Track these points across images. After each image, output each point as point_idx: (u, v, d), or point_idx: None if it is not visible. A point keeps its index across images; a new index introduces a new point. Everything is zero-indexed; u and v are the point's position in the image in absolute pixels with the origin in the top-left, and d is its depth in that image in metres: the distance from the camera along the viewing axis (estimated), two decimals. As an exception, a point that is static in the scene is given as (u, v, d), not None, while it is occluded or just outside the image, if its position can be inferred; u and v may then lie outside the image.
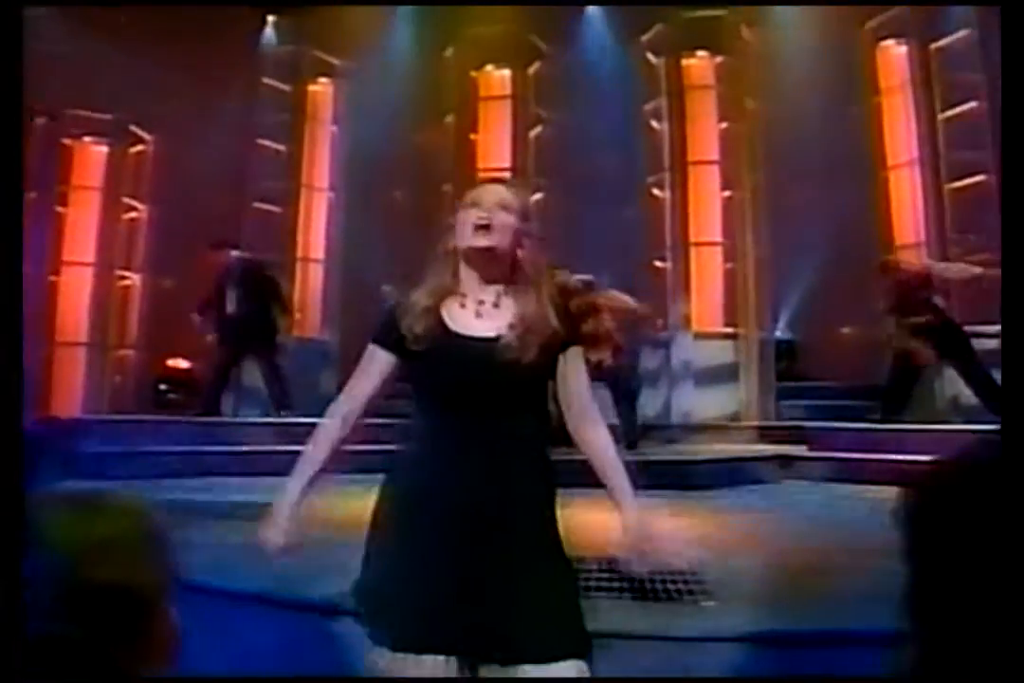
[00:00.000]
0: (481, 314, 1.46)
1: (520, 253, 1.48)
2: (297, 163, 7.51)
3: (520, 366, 1.40)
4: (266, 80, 7.42)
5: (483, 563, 1.36)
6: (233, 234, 7.08)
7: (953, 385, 6.08)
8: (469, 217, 1.47)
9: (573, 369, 1.49)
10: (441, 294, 1.48)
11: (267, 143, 7.38)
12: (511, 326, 1.43)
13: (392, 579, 1.40)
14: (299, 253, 7.31)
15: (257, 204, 7.26)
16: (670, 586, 2.28)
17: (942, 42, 6.71)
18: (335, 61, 7.65)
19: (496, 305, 1.47)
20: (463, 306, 1.48)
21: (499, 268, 1.48)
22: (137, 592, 0.67)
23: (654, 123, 7.13)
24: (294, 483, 1.49)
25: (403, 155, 7.13)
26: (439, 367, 1.44)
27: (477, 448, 1.41)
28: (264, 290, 6.01)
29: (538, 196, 7.45)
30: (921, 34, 6.79)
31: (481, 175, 7.42)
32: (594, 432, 1.48)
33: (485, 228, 1.45)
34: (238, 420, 6.17)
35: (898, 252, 6.72)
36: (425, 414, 1.47)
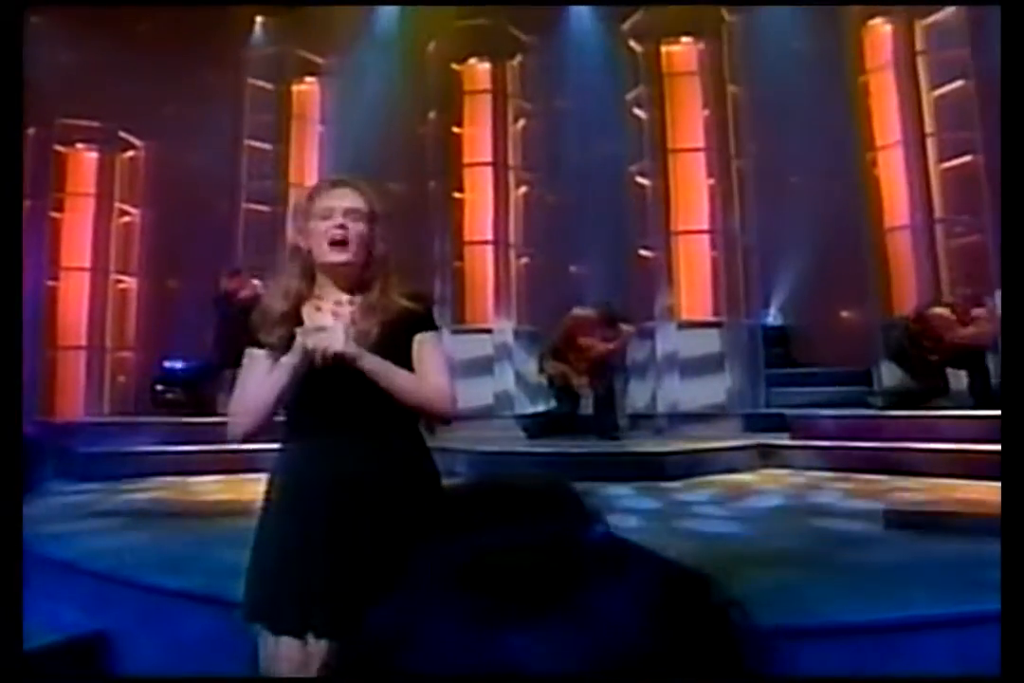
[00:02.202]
0: (337, 314, 1.52)
1: (373, 255, 1.53)
2: (286, 163, 7.59)
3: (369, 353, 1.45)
4: (252, 81, 7.50)
5: (354, 544, 1.41)
6: (225, 235, 7.22)
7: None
8: (321, 229, 1.50)
9: (427, 351, 1.53)
10: (296, 296, 1.53)
11: (256, 144, 7.47)
12: (353, 318, 1.50)
13: (270, 564, 1.46)
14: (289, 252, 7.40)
15: (248, 204, 7.37)
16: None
17: (929, 19, 6.58)
18: (320, 60, 7.70)
19: (351, 302, 1.54)
20: (319, 308, 1.54)
21: (355, 276, 1.54)
22: None
23: (638, 111, 7.08)
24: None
25: (389, 151, 7.16)
26: (303, 373, 1.47)
27: (347, 436, 1.46)
28: None
29: (523, 189, 7.47)
30: (908, 12, 6.65)
31: (467, 169, 7.46)
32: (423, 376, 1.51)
33: (341, 244, 1.49)
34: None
35: (887, 235, 6.64)
36: (295, 410, 1.52)
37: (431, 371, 1.51)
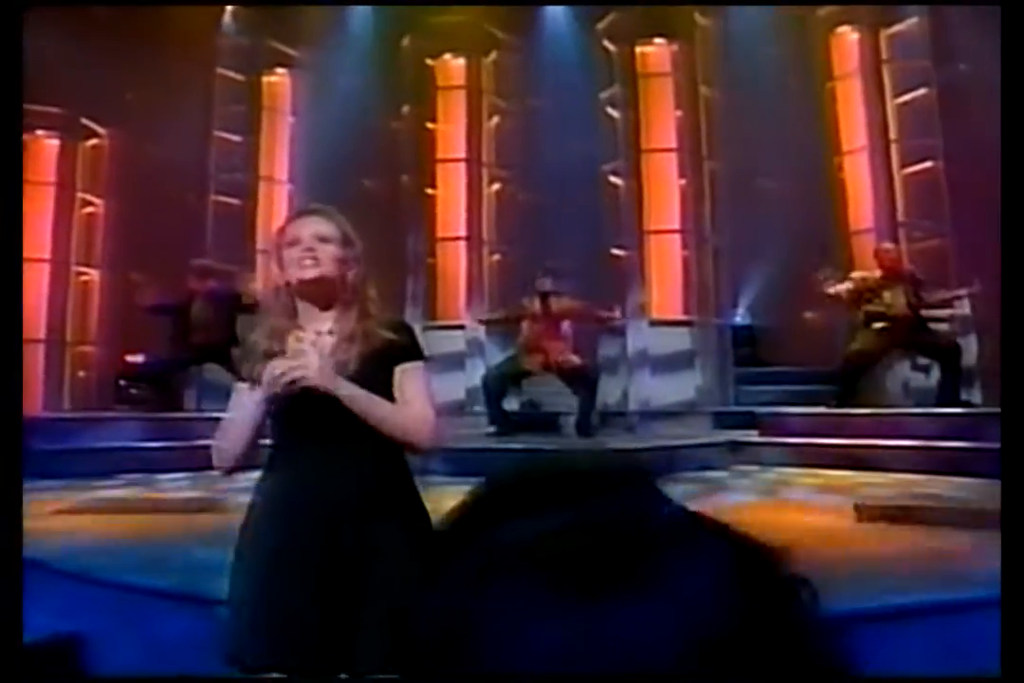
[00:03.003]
0: (316, 344, 1.54)
1: (348, 276, 1.55)
2: (256, 155, 7.46)
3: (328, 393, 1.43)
4: (222, 71, 7.35)
5: (339, 575, 1.40)
6: (193, 228, 7.07)
7: (903, 371, 6.21)
8: (293, 254, 1.53)
9: (408, 380, 1.53)
10: (280, 333, 1.54)
11: (225, 135, 7.33)
12: (332, 350, 1.51)
13: (251, 596, 1.45)
14: (259, 246, 7.28)
15: (216, 197, 7.23)
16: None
17: (893, 29, 6.76)
18: (292, 52, 7.59)
19: (331, 332, 1.55)
20: (299, 340, 1.55)
21: (331, 295, 1.55)
22: None
23: (611, 110, 7.13)
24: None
25: (361, 145, 7.10)
26: (280, 401, 1.48)
27: (328, 470, 1.47)
28: (233, 321, 6.00)
29: (496, 186, 7.47)
30: (874, 21, 6.83)
31: (440, 165, 7.43)
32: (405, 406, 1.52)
33: (310, 260, 1.52)
34: (201, 415, 6.19)
35: (852, 238, 6.81)
36: (277, 437, 1.54)
37: (412, 399, 1.52)
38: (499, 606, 0.35)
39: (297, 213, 1.66)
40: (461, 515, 0.43)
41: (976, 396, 5.95)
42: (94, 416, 6.10)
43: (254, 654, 1.41)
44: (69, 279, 7.08)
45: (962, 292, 5.71)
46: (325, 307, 1.56)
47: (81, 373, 7.17)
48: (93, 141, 7.31)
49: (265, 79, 7.58)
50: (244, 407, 1.51)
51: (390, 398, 1.51)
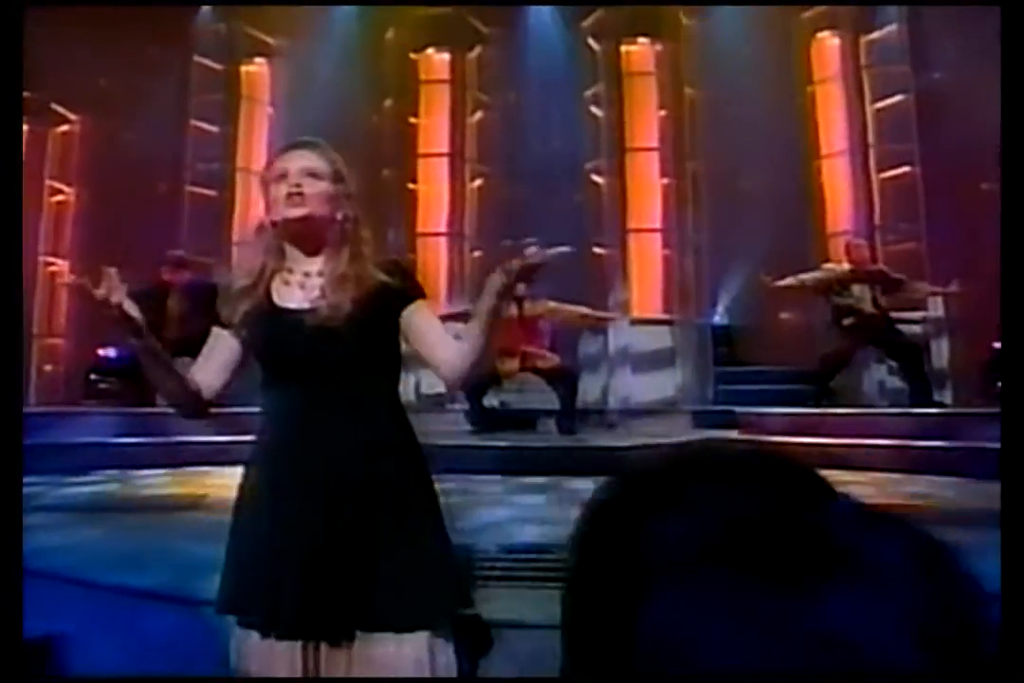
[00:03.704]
0: (305, 286, 1.44)
1: (339, 216, 1.44)
2: (233, 145, 7.32)
3: (343, 330, 1.37)
4: (199, 59, 7.19)
5: (336, 538, 1.35)
6: (167, 219, 6.91)
7: (879, 371, 6.32)
8: (280, 191, 1.42)
9: (422, 323, 1.45)
10: (261, 272, 1.45)
11: (201, 124, 7.18)
12: (323, 292, 1.41)
13: (245, 554, 1.39)
14: (235, 238, 7.15)
15: (191, 187, 7.07)
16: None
17: (873, 35, 6.87)
18: (271, 40, 7.45)
19: (321, 273, 1.44)
20: (287, 282, 1.46)
21: (320, 236, 1.44)
22: None
23: (594, 109, 7.14)
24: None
25: (342, 138, 7.00)
26: (268, 344, 1.44)
27: (324, 419, 1.39)
28: (210, 314, 5.89)
29: (478, 182, 7.43)
30: (854, 27, 6.93)
31: (422, 160, 7.37)
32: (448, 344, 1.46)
33: (298, 197, 1.41)
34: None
35: (829, 240, 6.91)
36: (268, 391, 1.45)
37: (441, 339, 1.45)
38: (689, 606, 0.33)
39: (286, 146, 1.51)
40: (608, 514, 0.41)
41: (947, 397, 6.08)
42: (62, 411, 5.92)
43: (241, 612, 1.37)
44: (37, 269, 6.87)
45: (932, 289, 5.79)
46: (314, 248, 1.45)
47: (48, 367, 6.97)
48: (64, 127, 7.10)
49: (243, 68, 7.43)
50: (223, 352, 1.47)
51: (392, 346, 1.44)
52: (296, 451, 1.39)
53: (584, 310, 6.12)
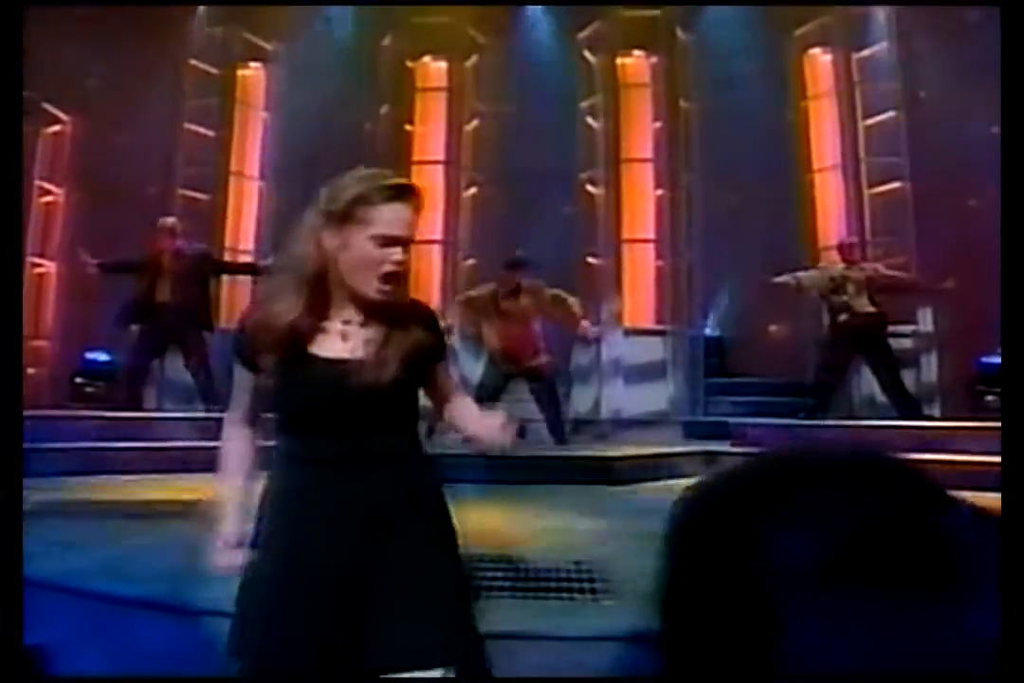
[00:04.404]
0: (347, 336, 1.36)
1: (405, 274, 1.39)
2: (226, 149, 7.27)
3: (382, 384, 1.32)
4: (194, 62, 7.16)
5: (368, 582, 1.32)
6: (157, 222, 6.84)
7: (869, 384, 6.36)
8: (375, 257, 1.31)
9: (446, 382, 1.49)
10: (299, 313, 1.34)
11: (194, 128, 7.13)
12: (368, 344, 1.35)
13: (266, 607, 1.34)
14: (227, 243, 7.10)
15: (183, 191, 7.02)
16: (572, 584, 2.30)
17: (864, 52, 6.96)
18: (267, 46, 7.43)
19: (363, 324, 1.37)
20: (325, 330, 1.36)
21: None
22: None
23: (590, 120, 7.17)
24: (229, 510, 1.42)
25: (337, 144, 6.98)
26: (301, 393, 1.35)
27: (357, 466, 1.35)
28: (204, 277, 5.96)
29: (473, 191, 7.43)
30: (846, 43, 7.02)
31: (416, 167, 7.35)
32: (465, 405, 1.50)
33: (396, 277, 1.33)
34: (160, 415, 5.99)
35: (821, 253, 6.97)
36: (290, 436, 1.39)
37: (461, 397, 1.51)
38: (822, 617, 0.32)
39: (392, 192, 1.34)
40: (714, 521, 0.39)
41: (936, 410, 6.13)
42: (46, 415, 5.83)
43: (260, 655, 1.33)
44: (24, 270, 6.77)
45: (926, 285, 5.80)
46: (364, 309, 1.37)
47: (31, 370, 6.86)
48: (55, 127, 7.03)
49: (239, 72, 7.41)
50: (247, 393, 1.43)
51: (416, 395, 1.43)
52: (325, 497, 1.34)
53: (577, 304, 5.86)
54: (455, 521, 1.44)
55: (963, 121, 6.12)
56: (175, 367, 6.14)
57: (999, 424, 3.02)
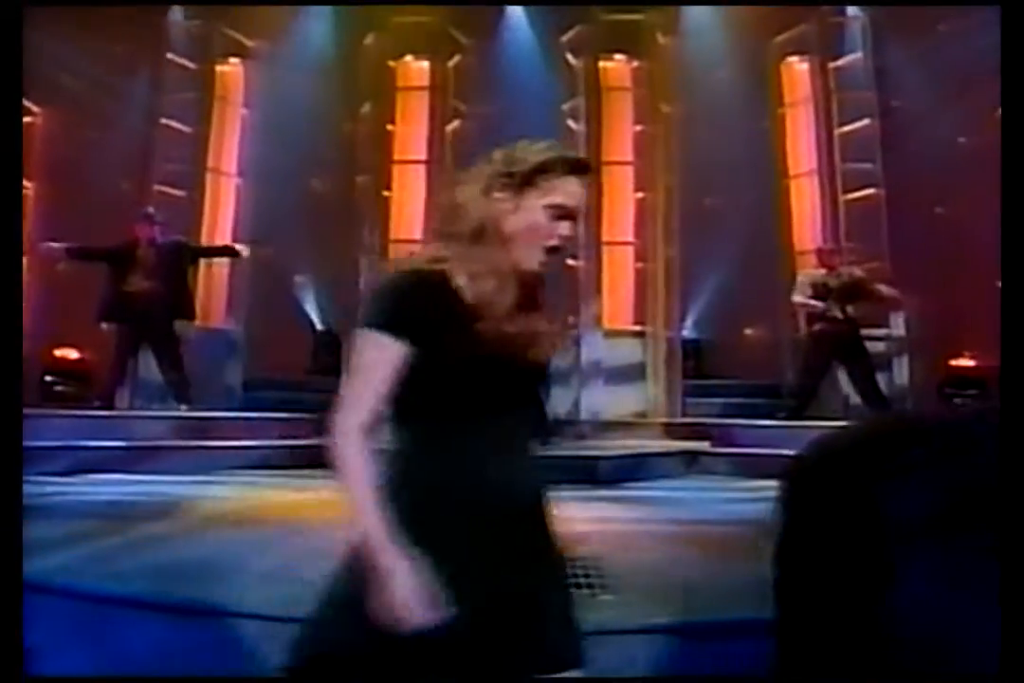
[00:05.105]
0: (523, 306, 1.26)
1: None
2: (204, 146, 7.17)
3: (549, 360, 1.29)
4: (171, 56, 7.04)
5: (536, 579, 1.24)
6: (131, 218, 6.71)
7: (846, 385, 6.48)
8: (550, 228, 1.25)
9: None
10: (477, 274, 1.22)
11: (171, 123, 7.01)
12: (550, 320, 1.30)
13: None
14: (204, 240, 6.99)
15: (159, 187, 6.90)
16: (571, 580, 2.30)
17: (840, 62, 7.11)
18: (247, 41, 7.35)
19: (534, 296, 1.29)
20: (501, 294, 1.23)
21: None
22: None
23: (571, 123, 7.21)
24: (397, 557, 1.13)
25: (317, 143, 6.93)
26: (477, 361, 1.20)
27: (520, 452, 1.25)
28: (183, 267, 5.85)
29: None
30: (822, 52, 7.16)
31: (397, 167, 7.32)
32: None
33: (559, 252, 1.27)
34: (134, 414, 5.88)
35: (797, 258, 7.09)
36: (443, 416, 1.22)
37: None
38: (944, 575, 0.32)
39: (571, 163, 1.27)
40: (833, 481, 0.40)
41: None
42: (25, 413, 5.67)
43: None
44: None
45: (893, 294, 5.92)
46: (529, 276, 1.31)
47: (-2, 367, 6.67)
48: (26, 120, 6.86)
49: (218, 68, 7.31)
50: (395, 367, 1.17)
51: None
52: (499, 489, 1.21)
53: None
54: None
55: (934, 130, 6.29)
56: (147, 366, 6.03)
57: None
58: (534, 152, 1.29)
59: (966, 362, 6.49)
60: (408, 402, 1.21)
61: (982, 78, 5.84)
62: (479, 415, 1.22)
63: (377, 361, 1.18)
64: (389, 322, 1.19)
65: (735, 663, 1.96)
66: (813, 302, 5.78)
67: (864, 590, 0.36)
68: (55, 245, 5.70)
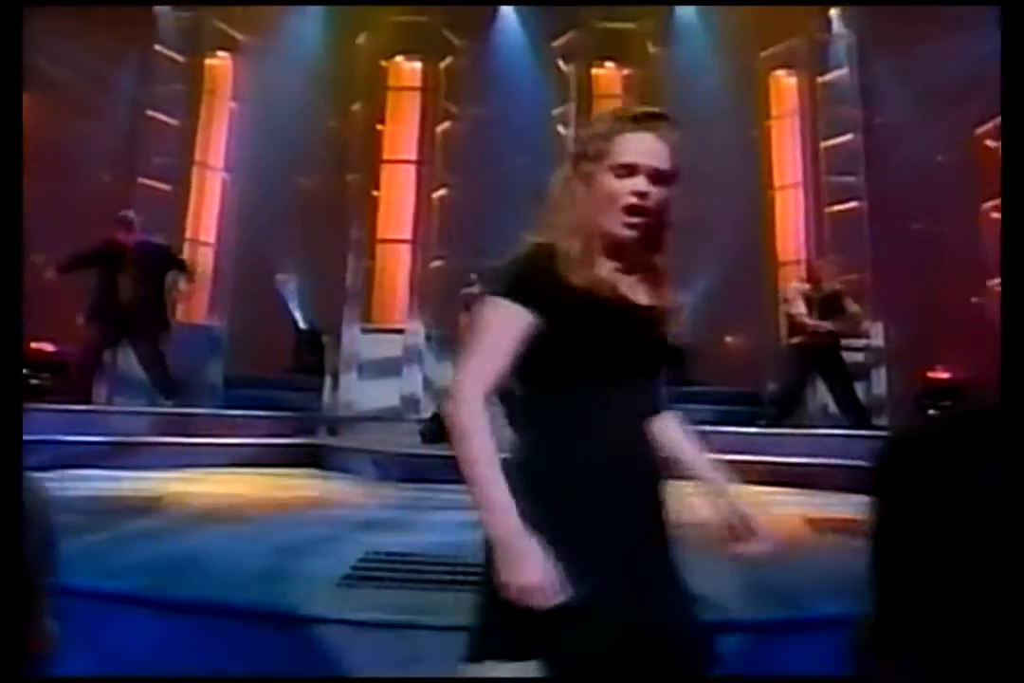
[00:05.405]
0: (640, 279, 1.26)
1: (663, 220, 1.27)
2: (191, 139, 7.09)
3: (667, 334, 1.28)
4: (159, 48, 6.96)
5: (664, 547, 1.25)
6: (114, 211, 6.61)
7: (823, 395, 6.58)
8: (619, 187, 1.21)
9: None
10: (593, 242, 1.21)
11: (158, 116, 6.93)
12: (664, 296, 1.29)
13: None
14: (188, 234, 6.91)
15: (144, 180, 6.80)
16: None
17: (827, 77, 7.23)
18: (238, 35, 7.29)
19: (646, 270, 1.28)
20: (618, 268, 1.24)
21: (643, 237, 1.27)
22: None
23: (560, 128, 7.25)
24: (504, 513, 1.11)
25: (306, 140, 6.89)
26: (603, 332, 1.19)
27: (632, 418, 1.22)
28: (163, 273, 5.77)
29: (442, 192, 7.42)
30: (810, 67, 7.28)
31: (386, 166, 7.30)
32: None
33: (640, 211, 1.21)
34: (113, 409, 5.78)
35: (780, 268, 7.18)
36: (570, 388, 1.19)
37: None
38: None
39: (634, 119, 1.23)
40: (942, 455, 0.41)
41: (884, 421, 6.37)
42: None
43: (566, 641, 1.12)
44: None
45: (856, 310, 6.02)
46: (632, 244, 1.28)
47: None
48: (9, 108, 6.74)
49: (207, 61, 7.23)
50: (519, 333, 1.16)
51: None
52: (628, 455, 1.21)
53: None
54: None
55: (915, 146, 6.44)
56: (126, 359, 5.94)
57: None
58: (595, 122, 1.30)
59: (942, 374, 6.63)
60: (532, 371, 1.19)
61: (963, 96, 6.00)
62: (600, 384, 1.19)
63: (505, 329, 1.18)
64: (518, 291, 1.19)
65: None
66: (810, 320, 5.83)
67: (960, 569, 0.38)
68: (51, 268, 5.62)
